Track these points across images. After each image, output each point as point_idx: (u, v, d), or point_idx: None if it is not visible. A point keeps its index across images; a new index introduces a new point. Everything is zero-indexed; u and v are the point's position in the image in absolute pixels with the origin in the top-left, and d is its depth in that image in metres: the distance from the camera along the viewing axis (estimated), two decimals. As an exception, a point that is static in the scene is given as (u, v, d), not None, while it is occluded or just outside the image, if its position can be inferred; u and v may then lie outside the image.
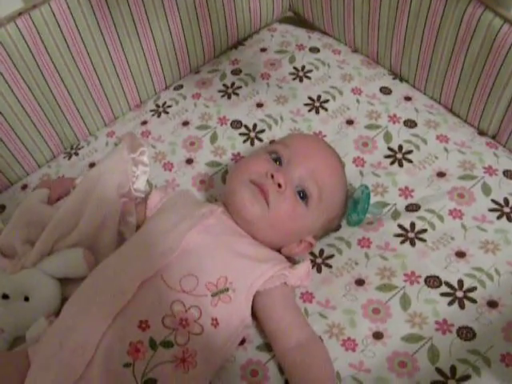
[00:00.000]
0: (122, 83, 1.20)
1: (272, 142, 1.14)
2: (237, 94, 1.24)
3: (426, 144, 1.11)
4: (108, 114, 1.22)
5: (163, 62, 1.24)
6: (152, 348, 0.77)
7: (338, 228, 1.03)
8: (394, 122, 1.15)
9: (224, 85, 1.26)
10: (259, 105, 1.21)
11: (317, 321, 0.91)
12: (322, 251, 1.00)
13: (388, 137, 1.14)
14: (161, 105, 1.25)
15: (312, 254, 1.00)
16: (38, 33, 1.02)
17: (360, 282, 0.95)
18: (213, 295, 0.83)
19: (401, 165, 1.09)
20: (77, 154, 1.19)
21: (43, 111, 1.10)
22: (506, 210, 1.00)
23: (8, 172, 1.13)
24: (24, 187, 1.15)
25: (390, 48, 1.22)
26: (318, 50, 1.31)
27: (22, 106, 1.07)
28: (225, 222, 0.93)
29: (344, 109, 1.19)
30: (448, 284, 0.92)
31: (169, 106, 1.24)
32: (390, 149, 1.12)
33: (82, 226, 0.98)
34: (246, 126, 1.18)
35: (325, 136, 1.15)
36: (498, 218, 0.99)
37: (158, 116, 1.22)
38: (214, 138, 1.17)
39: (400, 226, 1.01)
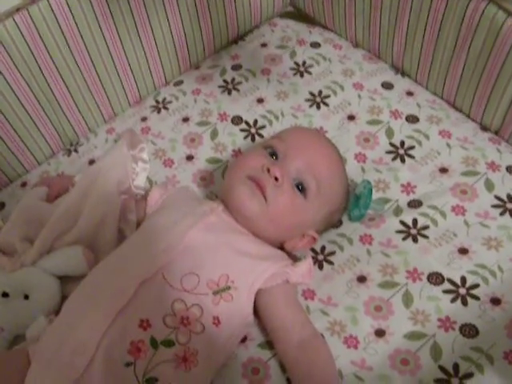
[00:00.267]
0: (121, 79, 1.19)
1: (273, 138, 1.13)
2: (237, 90, 1.23)
3: (428, 139, 1.11)
4: (107, 111, 1.21)
5: (163, 58, 1.23)
6: (153, 347, 0.76)
7: (339, 224, 1.03)
8: (396, 118, 1.15)
9: (224, 80, 1.25)
10: (260, 100, 1.21)
11: (318, 318, 0.90)
12: (323, 248, 1.00)
13: (390, 132, 1.13)
14: (161, 101, 1.24)
15: (313, 250, 0.99)
16: (37, 29, 1.01)
17: (362, 279, 0.94)
18: (214, 294, 0.82)
19: (403, 160, 1.09)
20: (76, 150, 1.19)
21: (42, 108, 1.10)
22: (509, 206, 1.00)
23: (7, 169, 1.12)
24: (23, 185, 1.14)
25: (391, 43, 1.21)
26: (319, 45, 1.30)
27: (21, 103, 1.06)
28: (225, 220, 0.92)
29: (345, 104, 1.19)
30: (451, 281, 0.92)
31: (169, 102, 1.23)
32: (391, 144, 1.12)
33: (81, 223, 0.98)
34: (246, 122, 1.17)
35: (326, 132, 1.15)
36: (501, 214, 0.99)
37: (158, 112, 1.22)
38: (214, 134, 1.16)
39: (402, 223, 1.00)
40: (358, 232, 1.01)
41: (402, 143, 1.11)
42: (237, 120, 1.18)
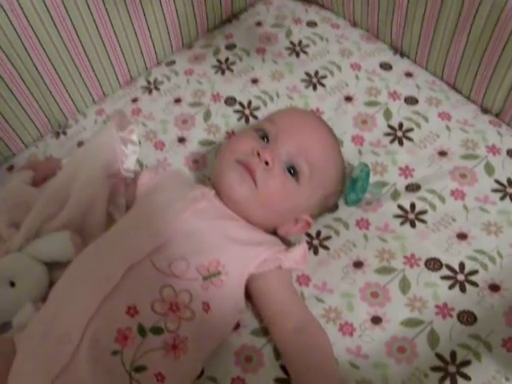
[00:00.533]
0: (111, 59, 1.16)
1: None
2: (231, 70, 1.21)
3: (427, 122, 1.09)
4: (97, 92, 1.19)
5: (154, 37, 1.20)
6: (141, 335, 0.75)
7: (335, 208, 1.02)
8: (395, 99, 1.13)
9: (218, 60, 1.24)
10: (254, 81, 1.19)
11: (313, 305, 0.89)
12: (318, 232, 0.98)
13: (388, 114, 1.12)
14: (152, 81, 1.22)
15: (308, 235, 0.98)
16: (21, 8, 0.97)
17: (358, 265, 0.93)
18: (204, 279, 0.81)
19: (401, 143, 1.07)
20: (65, 133, 1.17)
21: (28, 88, 1.07)
22: (510, 190, 0.99)
23: (-7, 153, 1.11)
24: (10, 168, 1.12)
25: (390, 22, 1.19)
26: (316, 24, 1.28)
27: (6, 84, 1.03)
28: (217, 206, 0.91)
29: (342, 85, 1.17)
30: (449, 267, 0.91)
31: (160, 83, 1.21)
32: (389, 127, 1.10)
33: (68, 207, 0.96)
34: (240, 103, 1.16)
35: (322, 113, 1.13)
36: (501, 198, 0.98)
37: (149, 93, 1.20)
38: (207, 116, 1.14)
39: (400, 207, 0.99)
40: (354, 216, 0.99)
41: (401, 125, 1.10)
42: (230, 101, 1.16)
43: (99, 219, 0.97)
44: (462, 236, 0.94)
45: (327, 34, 1.26)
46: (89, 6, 1.05)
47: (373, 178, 1.02)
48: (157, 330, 0.76)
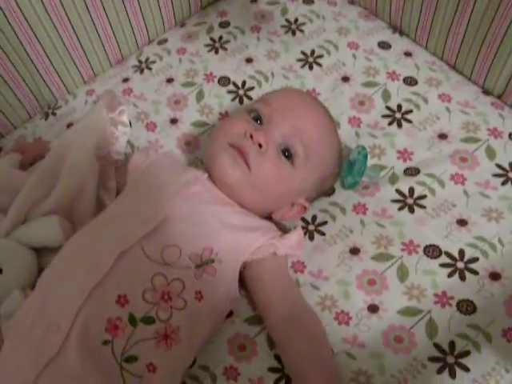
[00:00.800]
0: (101, 38, 1.14)
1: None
2: (225, 49, 1.20)
3: (426, 103, 1.08)
4: (87, 71, 1.18)
5: (146, 14, 1.18)
6: (132, 324, 0.74)
7: (331, 192, 1.00)
8: (393, 80, 1.12)
9: (211, 38, 1.22)
10: (249, 60, 1.17)
11: (308, 292, 0.88)
12: (314, 217, 0.97)
13: (386, 95, 1.10)
14: (143, 60, 1.20)
15: (304, 220, 0.97)
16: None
17: (355, 251, 0.92)
18: (197, 267, 0.80)
19: (400, 125, 1.06)
20: (54, 113, 1.15)
21: (16, 69, 1.05)
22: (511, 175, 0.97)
23: (-20, 134, 1.10)
24: (-1, 150, 1.11)
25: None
26: (312, 1, 1.26)
27: (-7, 64, 1.02)
28: (210, 190, 0.90)
29: (339, 65, 1.15)
30: (448, 254, 0.90)
31: (152, 62, 1.20)
32: (388, 108, 1.09)
33: (57, 191, 0.94)
34: (234, 83, 1.14)
35: (318, 94, 1.12)
36: (503, 183, 0.97)
37: (141, 72, 1.18)
38: (200, 96, 1.13)
39: (398, 191, 0.98)
40: (351, 201, 0.98)
41: (399, 107, 1.08)
42: (224, 81, 1.14)
43: (89, 203, 0.96)
44: (462, 222, 0.93)
45: (324, 11, 1.24)
46: (77, -17, 1.03)
47: (370, 161, 1.01)
48: (148, 320, 0.74)
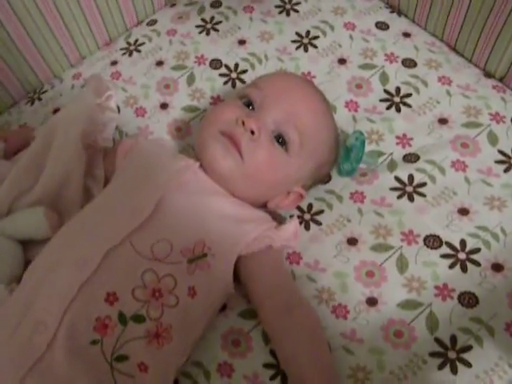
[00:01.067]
0: (87, 19, 1.11)
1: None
2: (216, 30, 1.17)
3: (426, 86, 1.06)
4: (74, 54, 1.15)
5: (134, -6, 1.16)
6: (121, 323, 0.72)
7: (328, 179, 0.99)
8: (391, 62, 1.10)
9: (202, 19, 1.19)
10: (241, 42, 1.15)
11: (305, 284, 0.87)
12: (310, 206, 0.96)
13: (384, 78, 1.08)
14: (132, 42, 1.18)
15: (299, 209, 0.96)
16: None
17: (352, 242, 0.91)
18: (189, 262, 0.78)
19: (398, 109, 1.04)
20: (40, 98, 1.13)
21: (-2, 53, 1.03)
22: None
23: (-38, 122, 1.07)
24: (-19, 139, 1.08)
25: (387, -23, 1.16)
26: None
27: (-29, 45, 0.99)
28: (202, 179, 0.87)
29: (336, 46, 1.14)
30: (449, 244, 0.89)
31: (141, 44, 1.17)
32: (386, 91, 1.07)
33: (42, 181, 0.92)
34: (226, 66, 1.12)
35: (314, 77, 1.10)
36: (506, 170, 0.95)
37: (130, 55, 1.16)
38: (191, 80, 1.10)
39: (397, 179, 0.96)
40: (348, 189, 0.97)
41: (398, 90, 1.07)
42: (216, 64, 1.12)
43: (75, 193, 0.93)
44: (463, 211, 0.91)
45: (319, -10, 1.22)
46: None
47: (368, 147, 0.99)
48: (138, 318, 0.73)
